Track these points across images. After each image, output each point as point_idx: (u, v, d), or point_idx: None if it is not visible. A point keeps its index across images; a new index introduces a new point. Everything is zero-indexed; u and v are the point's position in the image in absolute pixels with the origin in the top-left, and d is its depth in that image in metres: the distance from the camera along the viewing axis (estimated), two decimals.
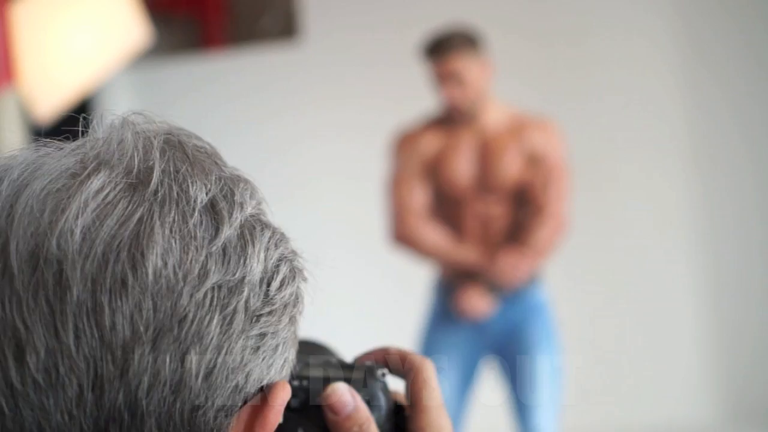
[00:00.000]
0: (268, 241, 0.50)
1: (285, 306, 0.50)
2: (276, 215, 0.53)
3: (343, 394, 0.54)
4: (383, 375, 0.58)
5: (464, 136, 2.76)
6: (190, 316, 0.45)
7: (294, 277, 0.51)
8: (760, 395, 3.86)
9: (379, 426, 0.55)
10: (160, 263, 0.45)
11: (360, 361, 0.61)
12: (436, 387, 0.58)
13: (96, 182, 0.46)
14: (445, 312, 2.80)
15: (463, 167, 2.75)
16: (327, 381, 0.56)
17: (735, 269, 3.93)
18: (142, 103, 4.18)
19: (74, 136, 0.52)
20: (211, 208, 0.48)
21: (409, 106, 3.14)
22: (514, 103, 2.92)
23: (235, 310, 0.47)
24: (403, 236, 2.81)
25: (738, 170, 3.89)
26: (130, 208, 0.46)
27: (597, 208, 3.86)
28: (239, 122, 4.09)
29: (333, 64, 4.07)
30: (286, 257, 0.51)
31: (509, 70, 3.19)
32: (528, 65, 3.86)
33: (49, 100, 2.11)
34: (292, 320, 0.51)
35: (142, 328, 0.44)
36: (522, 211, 2.77)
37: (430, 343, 2.81)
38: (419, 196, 2.79)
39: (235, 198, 0.49)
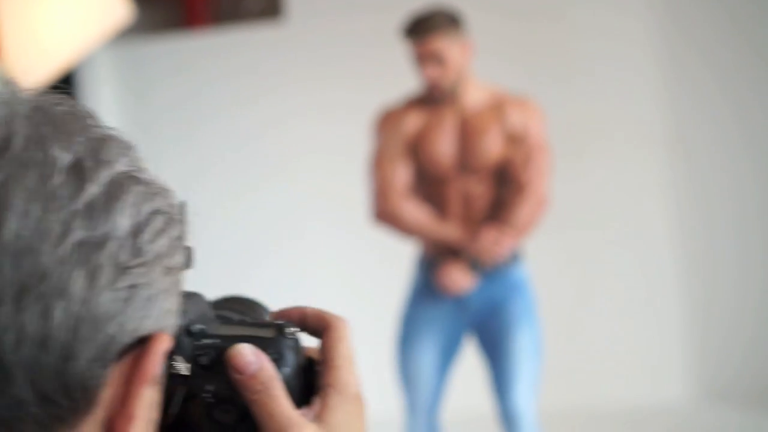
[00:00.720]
0: (139, 196, 0.50)
1: (158, 257, 0.51)
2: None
3: (246, 354, 0.55)
4: (293, 333, 0.58)
5: (445, 116, 2.77)
6: (51, 272, 0.46)
7: (169, 228, 0.52)
8: (734, 374, 3.90)
9: (287, 383, 0.55)
10: (18, 224, 0.46)
11: (274, 317, 0.61)
12: (349, 345, 0.59)
13: None
14: (428, 288, 2.82)
15: (444, 146, 2.77)
16: (237, 339, 0.56)
17: (711, 250, 3.96)
18: (126, 80, 4.17)
19: None
20: (76, 167, 0.49)
21: (392, 85, 3.15)
22: (495, 81, 2.93)
23: (100, 264, 0.47)
24: (385, 214, 2.83)
25: (720, 147, 3.90)
26: None
27: (578, 186, 3.88)
28: (223, 100, 4.09)
29: (316, 43, 4.07)
30: (160, 210, 0.51)
31: (490, 48, 3.20)
32: (509, 43, 3.86)
33: (32, 74, 2.11)
34: (169, 271, 0.52)
35: (4, 288, 0.45)
36: (503, 189, 2.80)
37: (412, 319, 2.84)
38: (402, 175, 2.80)
39: (101, 156, 0.50)
